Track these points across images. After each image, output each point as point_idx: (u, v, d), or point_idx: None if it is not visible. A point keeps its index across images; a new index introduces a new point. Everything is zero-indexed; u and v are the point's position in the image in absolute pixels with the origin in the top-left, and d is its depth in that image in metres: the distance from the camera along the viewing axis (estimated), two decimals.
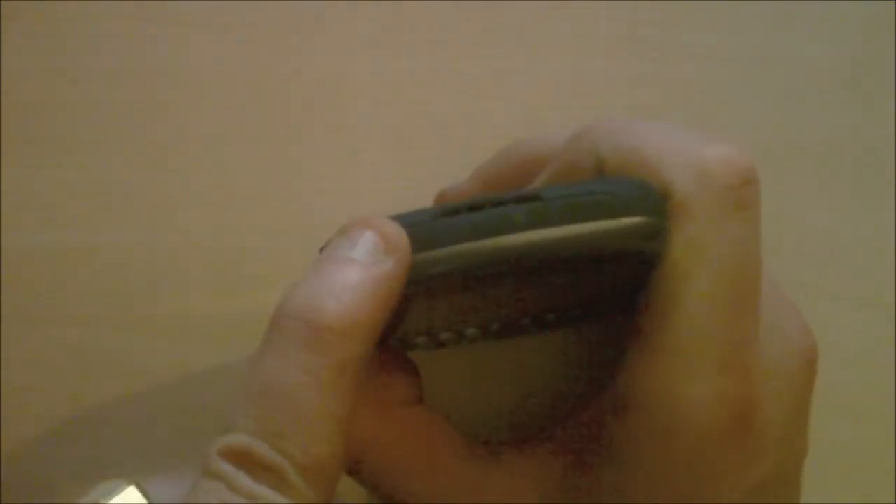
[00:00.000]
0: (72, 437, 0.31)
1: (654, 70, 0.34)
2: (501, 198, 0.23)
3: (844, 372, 0.33)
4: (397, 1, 0.33)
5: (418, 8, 0.33)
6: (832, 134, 0.34)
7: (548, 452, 0.27)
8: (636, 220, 0.23)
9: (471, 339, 0.28)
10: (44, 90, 0.32)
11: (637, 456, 0.24)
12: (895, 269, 0.33)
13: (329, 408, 0.21)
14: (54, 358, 0.31)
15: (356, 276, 0.22)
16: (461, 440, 0.28)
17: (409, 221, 0.23)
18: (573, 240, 0.22)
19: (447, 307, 0.26)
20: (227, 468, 0.21)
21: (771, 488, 0.25)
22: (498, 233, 0.22)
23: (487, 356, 0.31)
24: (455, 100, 0.33)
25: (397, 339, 0.27)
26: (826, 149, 0.34)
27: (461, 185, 0.30)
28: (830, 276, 0.33)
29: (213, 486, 0.21)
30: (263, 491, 0.21)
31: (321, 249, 0.23)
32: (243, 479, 0.21)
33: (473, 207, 0.23)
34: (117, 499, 0.27)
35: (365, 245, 0.23)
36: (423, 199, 0.30)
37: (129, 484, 0.28)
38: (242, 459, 0.21)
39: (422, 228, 0.23)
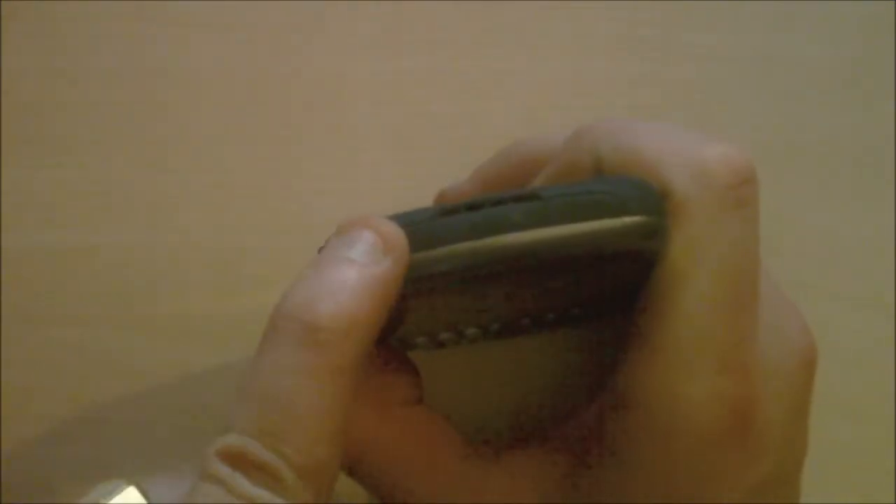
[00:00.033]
0: (72, 437, 0.31)
1: (654, 70, 0.34)
2: (500, 197, 0.23)
3: (844, 372, 0.33)
4: (397, 1, 0.33)
5: (418, 8, 0.33)
6: (832, 134, 0.34)
7: (548, 452, 0.27)
8: (635, 219, 0.23)
9: (471, 339, 0.28)
10: (44, 90, 0.32)
11: (637, 456, 0.24)
12: (895, 269, 0.33)
13: (325, 408, 0.21)
14: (54, 358, 0.31)
15: (353, 276, 0.22)
16: (461, 440, 0.28)
17: (408, 221, 0.23)
18: (572, 239, 0.22)
19: (447, 307, 0.26)
20: (223, 470, 0.21)
21: (771, 488, 0.25)
22: (497, 232, 0.22)
23: (487, 356, 0.31)
24: (455, 100, 0.33)
25: (397, 339, 0.27)
26: (826, 149, 0.34)
27: (461, 185, 0.30)
28: (830, 276, 0.33)
29: (209, 489, 0.21)
30: (259, 492, 0.21)
31: (320, 250, 0.23)
32: (239, 481, 0.21)
33: (472, 207, 0.23)
34: (117, 499, 0.27)
35: (362, 245, 0.23)
36: (423, 199, 0.30)
37: (129, 484, 0.28)
38: (239, 461, 0.21)
39: (421, 228, 0.23)
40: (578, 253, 0.23)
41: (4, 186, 0.31)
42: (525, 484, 0.27)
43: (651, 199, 0.23)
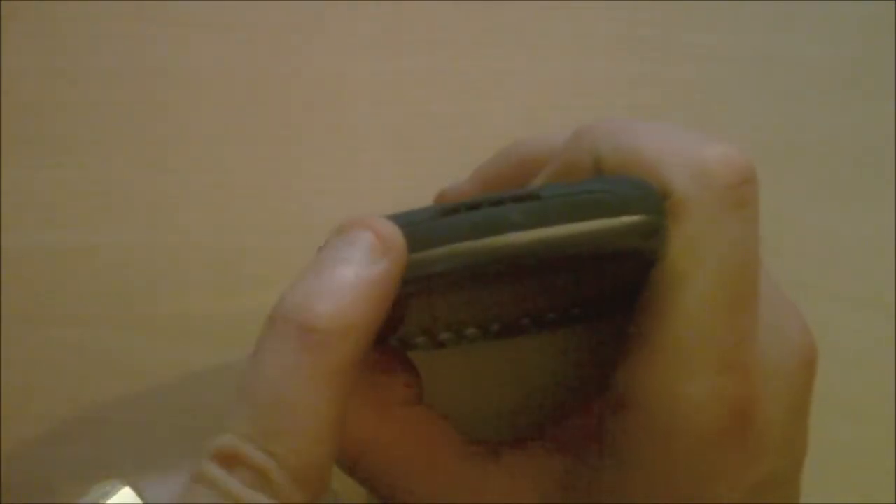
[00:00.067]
0: (72, 437, 0.31)
1: (654, 70, 0.34)
2: (500, 197, 0.23)
3: (844, 372, 0.33)
4: (397, 1, 0.33)
5: (418, 8, 0.33)
6: (832, 134, 0.34)
7: (548, 452, 0.27)
8: (635, 218, 0.23)
9: (471, 338, 0.28)
10: (44, 90, 0.32)
11: (637, 455, 0.24)
12: (895, 269, 0.33)
13: (320, 410, 0.21)
14: (54, 358, 0.31)
15: (350, 277, 0.22)
16: (461, 440, 0.28)
17: (407, 220, 0.23)
18: (572, 238, 0.22)
19: (447, 307, 0.26)
20: (215, 471, 0.21)
21: (771, 488, 0.25)
22: (496, 232, 0.22)
23: (487, 356, 0.31)
24: (455, 100, 0.33)
25: (397, 339, 0.27)
26: (826, 149, 0.34)
27: (461, 184, 0.30)
28: (830, 276, 0.33)
29: (200, 490, 0.21)
30: (248, 493, 0.21)
31: (319, 250, 0.24)
32: (230, 482, 0.21)
33: (472, 206, 0.23)
34: (113, 499, 0.27)
35: (360, 245, 0.22)
36: (423, 199, 0.30)
37: (125, 485, 0.28)
38: (231, 461, 0.21)
39: (420, 227, 0.23)
40: (578, 252, 0.23)
41: (4, 186, 0.31)
42: (525, 484, 0.27)
43: (651, 199, 0.23)
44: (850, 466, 0.33)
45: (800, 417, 0.26)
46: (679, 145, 0.24)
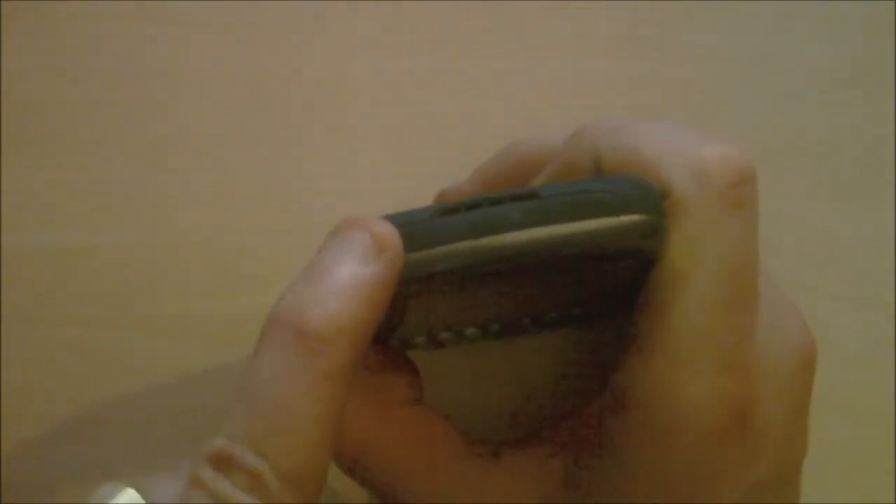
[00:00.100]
0: (72, 437, 0.31)
1: (654, 70, 0.34)
2: (499, 196, 0.23)
3: (844, 372, 0.33)
4: (397, 1, 0.33)
5: (418, 8, 0.33)
6: (832, 134, 0.34)
7: (547, 452, 0.27)
8: (634, 218, 0.23)
9: (471, 338, 0.28)
10: (44, 90, 0.32)
11: (636, 455, 0.24)
12: (895, 269, 0.33)
13: (314, 414, 0.21)
14: (54, 358, 0.31)
15: (345, 279, 0.22)
16: (461, 440, 0.28)
17: (406, 220, 0.23)
18: (571, 238, 0.22)
19: (446, 307, 0.26)
20: (208, 473, 0.21)
21: (770, 488, 0.25)
22: (496, 231, 0.22)
23: (487, 356, 0.31)
24: (455, 100, 0.33)
25: (397, 339, 0.27)
26: (826, 149, 0.34)
27: (461, 185, 0.30)
28: (830, 276, 0.33)
29: (194, 492, 0.21)
30: (239, 495, 0.21)
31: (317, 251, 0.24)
32: (223, 484, 0.21)
33: (471, 206, 0.23)
34: (117, 499, 0.27)
35: (355, 246, 0.22)
36: (423, 199, 0.30)
37: (127, 486, 0.28)
38: (225, 464, 0.21)
39: (420, 227, 0.23)
40: (578, 252, 0.23)
41: (4, 186, 0.31)
42: (525, 483, 0.27)
43: (650, 199, 0.23)
44: (850, 466, 0.33)
45: (799, 417, 0.26)
46: (678, 145, 0.24)
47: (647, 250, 0.23)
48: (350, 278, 0.22)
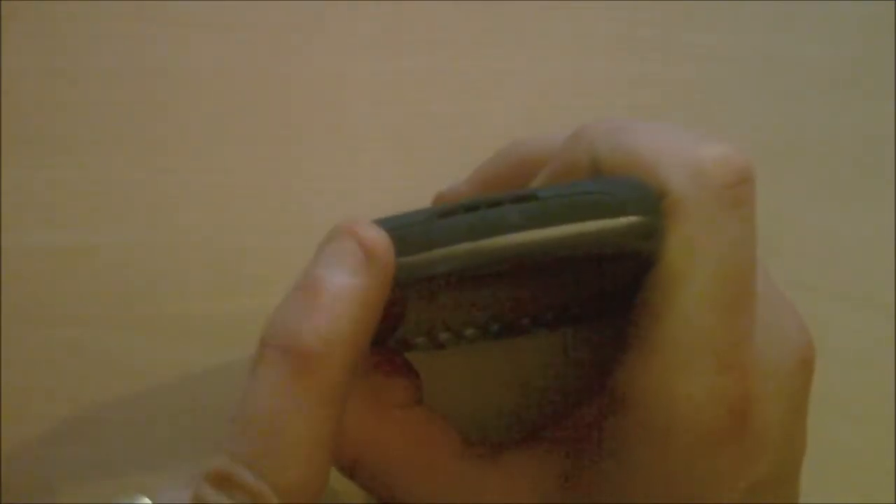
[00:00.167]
0: (72, 437, 0.31)
1: (654, 70, 0.34)
2: (497, 198, 0.23)
3: (844, 372, 0.33)
4: (397, 1, 0.33)
5: (418, 8, 0.33)
6: (832, 134, 0.34)
7: (547, 452, 0.27)
8: (632, 219, 0.23)
9: (470, 339, 0.28)
10: (44, 90, 0.32)
11: (636, 455, 0.24)
12: (895, 269, 0.33)
13: (309, 432, 0.22)
14: (54, 358, 0.31)
15: (333, 294, 0.22)
16: (460, 441, 0.28)
17: (404, 223, 0.23)
18: (569, 240, 0.22)
19: (446, 308, 0.26)
20: (208, 492, 0.21)
21: (770, 488, 0.25)
22: (495, 233, 0.22)
23: (487, 356, 0.31)
24: (455, 100, 0.33)
25: (396, 339, 0.27)
26: (826, 149, 0.34)
27: (459, 186, 0.30)
28: (830, 276, 0.33)
29: None
30: None
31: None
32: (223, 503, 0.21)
33: (469, 208, 0.23)
34: None
35: (344, 258, 0.22)
36: (423, 199, 0.30)
37: (144, 497, 0.28)
38: (225, 483, 0.21)
39: (417, 229, 0.23)
40: (576, 254, 0.23)
41: (4, 186, 0.31)
42: (524, 484, 0.27)
43: (648, 200, 0.23)
44: (850, 466, 0.33)
45: (798, 417, 0.26)
46: (676, 145, 0.24)
47: (645, 251, 0.23)
48: (339, 293, 0.22)
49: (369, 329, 0.23)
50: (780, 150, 0.34)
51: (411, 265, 0.23)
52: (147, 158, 0.32)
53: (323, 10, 0.33)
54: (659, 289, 0.24)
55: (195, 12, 0.32)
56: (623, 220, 0.23)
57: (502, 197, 0.23)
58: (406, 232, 0.23)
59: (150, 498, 0.28)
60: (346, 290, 0.22)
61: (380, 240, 0.22)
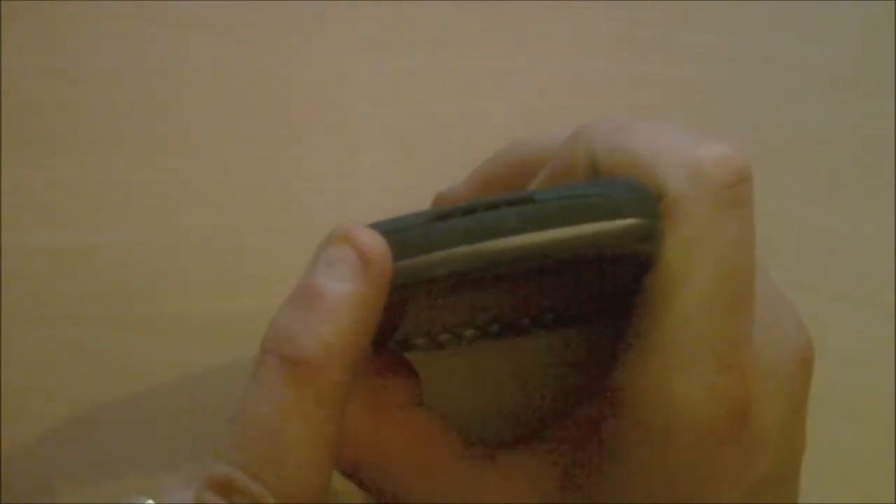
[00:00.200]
0: (72, 437, 0.31)
1: (654, 70, 0.34)
2: (495, 201, 0.23)
3: (844, 372, 0.33)
4: (397, 1, 0.33)
5: (418, 8, 0.33)
6: (832, 134, 0.34)
7: (547, 452, 0.27)
8: (629, 222, 0.23)
9: (470, 339, 0.28)
10: (44, 90, 0.32)
11: (635, 456, 0.24)
12: (895, 269, 0.33)
13: (308, 437, 0.22)
14: (54, 358, 0.31)
15: (330, 302, 0.22)
16: (460, 441, 0.28)
17: (401, 226, 0.23)
18: (566, 243, 0.22)
19: (445, 309, 0.26)
20: (210, 498, 0.22)
21: (770, 487, 0.25)
22: (492, 236, 0.22)
23: (487, 356, 0.31)
24: (455, 100, 0.33)
25: (396, 341, 0.27)
26: (826, 149, 0.34)
27: (458, 186, 0.30)
28: (830, 276, 0.33)
29: None
30: None
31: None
32: None
33: (467, 211, 0.23)
34: None
35: (340, 264, 0.22)
36: (423, 199, 0.30)
37: (147, 498, 0.28)
38: (225, 489, 0.21)
39: (415, 232, 0.23)
40: (574, 256, 0.23)
41: (4, 186, 0.31)
42: (524, 484, 0.27)
43: (646, 202, 0.23)
44: (850, 466, 0.33)
45: (797, 416, 0.26)
46: (675, 145, 0.24)
47: (644, 253, 0.23)
48: (337, 299, 0.22)
49: (368, 333, 0.23)
50: (780, 150, 0.34)
51: (409, 269, 0.23)
52: (147, 158, 0.32)
53: (323, 10, 0.33)
54: (658, 289, 0.24)
55: (195, 12, 0.32)
56: (620, 223, 0.23)
57: (500, 199, 0.23)
58: (403, 235, 0.23)
59: (153, 498, 0.28)
60: (343, 297, 0.22)
61: (376, 244, 0.22)
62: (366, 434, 0.26)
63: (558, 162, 0.26)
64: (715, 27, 0.34)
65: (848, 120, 0.34)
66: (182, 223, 0.32)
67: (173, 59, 0.32)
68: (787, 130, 0.34)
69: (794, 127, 0.34)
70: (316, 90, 0.33)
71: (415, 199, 0.29)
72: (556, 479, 0.26)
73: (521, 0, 0.33)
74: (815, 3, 0.34)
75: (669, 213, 0.23)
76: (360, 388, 0.26)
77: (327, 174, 0.32)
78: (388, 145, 0.33)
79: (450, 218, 0.23)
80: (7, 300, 0.31)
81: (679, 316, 0.23)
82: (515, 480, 0.27)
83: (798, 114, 0.34)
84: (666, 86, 0.34)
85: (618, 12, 0.34)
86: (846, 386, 0.33)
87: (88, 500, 0.30)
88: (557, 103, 0.33)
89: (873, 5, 0.35)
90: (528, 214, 0.22)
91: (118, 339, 0.31)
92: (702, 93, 0.34)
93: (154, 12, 0.32)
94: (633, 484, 0.25)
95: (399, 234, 0.23)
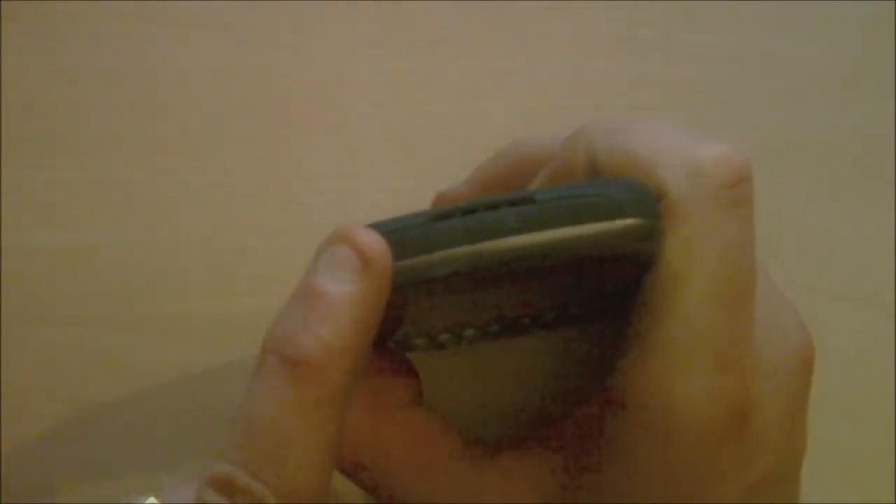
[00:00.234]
0: (72, 437, 0.31)
1: (654, 70, 0.34)
2: (495, 201, 0.23)
3: (844, 372, 0.33)
4: (397, 1, 0.33)
5: (418, 8, 0.33)
6: (832, 134, 0.34)
7: (547, 452, 0.27)
8: (629, 222, 0.23)
9: (470, 339, 0.28)
10: (44, 90, 0.32)
11: (635, 455, 0.24)
12: (895, 269, 0.33)
13: (308, 438, 0.22)
14: (54, 358, 0.31)
15: (330, 303, 0.22)
16: (460, 441, 0.28)
17: (401, 226, 0.23)
18: (567, 242, 0.22)
19: (445, 309, 0.26)
20: (211, 497, 0.22)
21: (770, 487, 0.25)
22: (492, 236, 0.22)
23: (487, 356, 0.31)
24: (455, 100, 0.33)
25: (396, 340, 0.27)
26: (826, 149, 0.34)
27: (458, 187, 0.30)
28: (830, 276, 0.33)
29: None
30: None
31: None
32: None
33: (467, 211, 0.23)
34: None
35: (338, 266, 0.23)
36: (423, 199, 0.30)
37: (150, 497, 0.28)
38: (227, 488, 0.22)
39: (415, 233, 0.23)
40: (574, 256, 0.23)
41: (4, 186, 0.31)
42: (524, 484, 0.27)
43: (646, 202, 0.23)
44: (850, 466, 0.33)
45: (798, 416, 0.26)
46: (675, 145, 0.24)
47: (644, 253, 0.23)
48: (338, 300, 0.22)
49: (369, 334, 0.23)
50: (780, 150, 0.34)
51: (410, 269, 0.23)
52: (147, 158, 0.32)
53: (323, 10, 0.33)
54: (658, 289, 0.24)
55: (195, 12, 0.32)
56: (620, 223, 0.23)
57: (500, 199, 0.23)
58: (404, 235, 0.23)
59: (156, 497, 0.28)
60: (344, 297, 0.22)
61: (376, 245, 0.22)
62: (366, 434, 0.26)
63: (558, 162, 0.26)
64: (715, 27, 0.34)
65: (848, 120, 0.34)
66: (182, 223, 0.32)
67: (173, 59, 0.32)
68: (787, 130, 0.34)
69: (794, 127, 0.34)
70: (316, 90, 0.33)
71: (415, 199, 0.29)
72: (557, 479, 0.26)
73: (521, 0, 0.33)
74: (815, 3, 0.34)
75: (669, 213, 0.23)
76: (360, 388, 0.26)
77: (327, 174, 0.32)
78: (388, 145, 0.33)
79: (450, 218, 0.23)
80: (7, 300, 0.31)
81: (679, 316, 0.23)
82: (515, 480, 0.27)
83: (798, 114, 0.34)
84: (666, 86, 0.34)
85: (618, 12, 0.34)
86: (846, 386, 0.33)
87: (88, 500, 0.30)
88: (557, 103, 0.33)
89: (873, 5, 0.35)
90: (529, 214, 0.22)
91: (118, 339, 0.31)
92: (702, 93, 0.34)
93: (154, 12, 0.32)
94: (633, 484, 0.25)
95: (399, 234, 0.23)
